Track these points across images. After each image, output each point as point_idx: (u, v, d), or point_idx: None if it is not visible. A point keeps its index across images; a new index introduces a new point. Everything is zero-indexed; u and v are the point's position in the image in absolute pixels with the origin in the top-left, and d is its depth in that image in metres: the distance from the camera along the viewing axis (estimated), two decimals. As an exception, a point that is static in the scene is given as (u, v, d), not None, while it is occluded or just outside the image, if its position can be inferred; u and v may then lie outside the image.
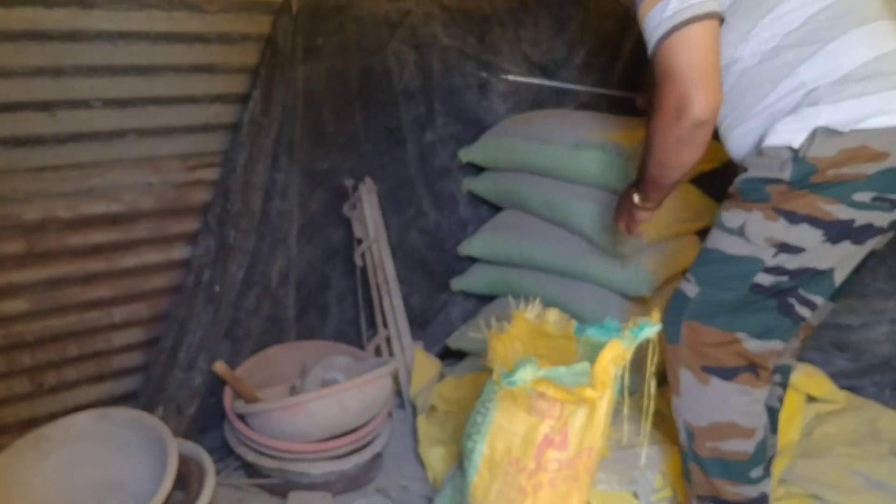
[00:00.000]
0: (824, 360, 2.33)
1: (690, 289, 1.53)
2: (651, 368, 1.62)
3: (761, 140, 1.45)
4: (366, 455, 2.11)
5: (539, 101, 2.86)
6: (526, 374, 1.47)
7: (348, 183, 2.47)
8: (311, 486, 2.05)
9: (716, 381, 1.52)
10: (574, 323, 1.75)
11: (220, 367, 2.07)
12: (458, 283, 2.81)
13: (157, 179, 2.09)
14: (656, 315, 1.57)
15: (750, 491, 1.59)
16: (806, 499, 1.97)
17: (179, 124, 2.08)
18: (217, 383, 2.15)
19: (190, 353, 2.11)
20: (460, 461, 1.72)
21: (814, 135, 1.34)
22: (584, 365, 1.52)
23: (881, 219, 1.40)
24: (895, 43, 1.39)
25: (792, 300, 1.47)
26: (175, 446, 1.74)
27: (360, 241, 2.50)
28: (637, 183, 1.70)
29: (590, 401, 1.50)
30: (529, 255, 2.52)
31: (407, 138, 2.61)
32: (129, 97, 1.98)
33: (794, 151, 1.36)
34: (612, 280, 2.35)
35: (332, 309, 2.56)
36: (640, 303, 2.36)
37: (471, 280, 2.78)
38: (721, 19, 1.42)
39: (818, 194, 1.36)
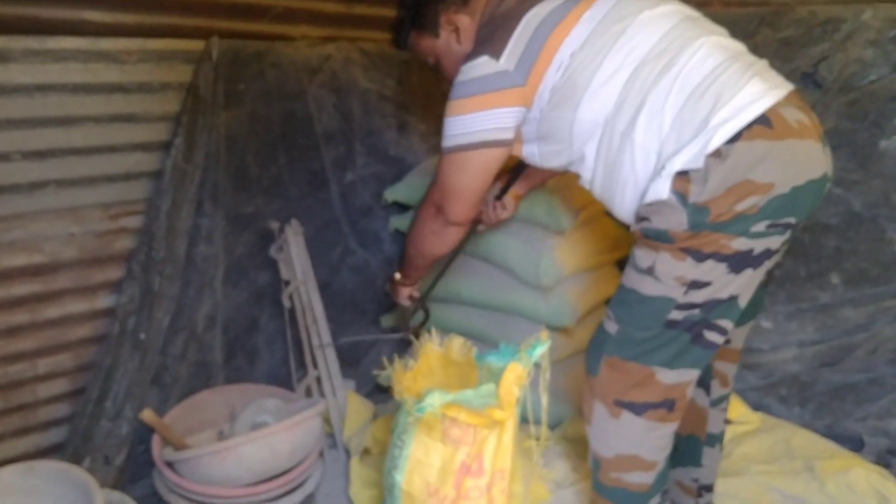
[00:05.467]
0: (736, 377, 2.40)
1: (611, 326, 1.57)
2: (544, 384, 1.67)
3: (642, 199, 1.50)
4: (297, 497, 2.10)
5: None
6: (435, 400, 1.52)
7: (274, 225, 2.49)
8: (243, 530, 2.05)
9: (627, 416, 1.56)
10: (475, 350, 1.82)
11: (147, 414, 2.06)
12: (388, 321, 2.84)
13: (79, 229, 2.08)
14: (545, 334, 1.66)
15: None
16: (727, 517, 2.04)
17: (100, 174, 2.08)
18: (145, 431, 2.13)
19: (116, 402, 2.10)
20: (384, 499, 1.74)
21: (689, 180, 1.39)
22: (490, 386, 1.59)
23: (775, 242, 1.46)
24: (696, 80, 1.44)
25: (703, 330, 1.51)
26: (101, 498, 1.72)
27: (287, 283, 2.51)
28: (399, 263, 2.10)
29: (500, 421, 1.55)
30: (455, 291, 2.55)
31: (330, 179, 2.65)
32: (49, 148, 1.98)
33: (683, 199, 1.41)
34: (537, 312, 2.40)
35: (262, 351, 2.56)
36: (565, 333, 2.42)
37: (400, 317, 2.80)
38: (507, 145, 1.67)
39: (719, 232, 1.41)
